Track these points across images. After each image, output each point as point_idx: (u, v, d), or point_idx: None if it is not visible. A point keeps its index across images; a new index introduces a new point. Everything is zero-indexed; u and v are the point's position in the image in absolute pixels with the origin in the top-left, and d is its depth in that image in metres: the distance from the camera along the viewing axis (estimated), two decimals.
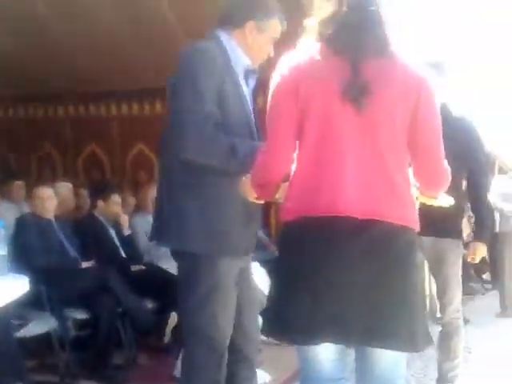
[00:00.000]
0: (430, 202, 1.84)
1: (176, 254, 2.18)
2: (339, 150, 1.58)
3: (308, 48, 1.62)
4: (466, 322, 5.42)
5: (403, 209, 1.61)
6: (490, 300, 6.32)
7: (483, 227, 3.10)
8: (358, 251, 1.55)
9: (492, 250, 6.85)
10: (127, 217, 4.70)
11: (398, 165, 1.62)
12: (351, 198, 1.56)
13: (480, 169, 3.06)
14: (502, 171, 7.58)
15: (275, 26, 2.13)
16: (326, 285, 1.55)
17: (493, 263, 7.09)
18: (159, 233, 2.20)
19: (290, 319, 1.58)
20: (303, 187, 1.62)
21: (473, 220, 8.07)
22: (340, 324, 1.54)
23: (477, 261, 3.15)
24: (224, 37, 2.11)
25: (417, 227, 1.65)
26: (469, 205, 6.97)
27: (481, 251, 3.09)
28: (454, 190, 2.95)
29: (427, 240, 2.93)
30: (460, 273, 3.13)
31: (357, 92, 1.55)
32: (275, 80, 1.63)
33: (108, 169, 6.72)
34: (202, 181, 2.05)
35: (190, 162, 2.01)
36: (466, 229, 7.13)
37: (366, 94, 1.55)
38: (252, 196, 1.84)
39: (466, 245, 7.84)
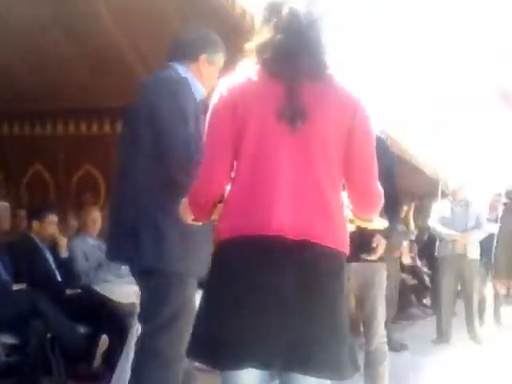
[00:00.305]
0: (365, 224, 1.84)
1: (145, 273, 2.23)
2: (273, 170, 1.59)
3: (246, 70, 1.65)
4: (404, 348, 5.54)
5: (336, 231, 1.62)
6: (429, 325, 6.39)
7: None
8: (288, 274, 1.54)
9: (433, 274, 7.01)
10: (65, 239, 4.62)
11: (332, 187, 1.63)
12: (284, 218, 1.55)
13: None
14: (444, 195, 7.73)
15: (221, 58, 2.40)
16: (253, 307, 1.53)
17: (433, 288, 7.21)
18: (123, 250, 2.25)
19: (214, 342, 1.56)
20: (236, 207, 1.62)
21: (415, 245, 8.22)
22: (264, 349, 1.52)
23: (378, 254, 3.02)
24: (182, 69, 2.32)
25: (347, 251, 1.66)
26: (408, 230, 7.11)
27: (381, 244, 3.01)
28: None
29: (355, 265, 2.96)
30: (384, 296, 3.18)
31: (292, 114, 1.57)
32: (213, 101, 1.65)
33: (53, 190, 6.59)
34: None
35: (175, 183, 2.11)
36: (406, 253, 7.33)
37: (301, 117, 1.57)
38: (189, 218, 1.83)
39: (407, 269, 7.96)
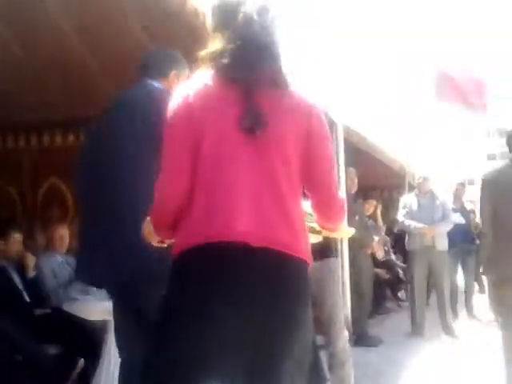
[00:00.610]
0: (332, 234, 1.82)
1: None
2: (234, 178, 1.56)
3: (202, 78, 1.62)
4: (379, 342, 5.60)
5: (299, 239, 1.59)
6: (404, 318, 6.46)
7: None
8: (252, 284, 1.50)
9: (407, 267, 7.09)
10: (33, 258, 4.54)
11: (293, 194, 1.61)
12: (247, 225, 1.52)
13: None
14: (411, 188, 7.80)
15: (186, 74, 2.47)
16: (216, 320, 1.49)
17: (407, 281, 7.28)
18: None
19: (167, 365, 1.52)
20: (196, 216, 1.56)
21: (388, 239, 8.28)
22: (228, 362, 1.50)
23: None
24: (157, 84, 2.39)
25: (310, 261, 1.62)
26: (377, 225, 7.15)
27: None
28: None
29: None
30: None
31: (251, 123, 1.55)
32: (169, 109, 1.62)
33: (18, 205, 6.48)
34: None
35: None
36: (379, 249, 7.40)
37: (260, 125, 1.55)
38: (155, 239, 1.76)
39: (381, 263, 8.05)
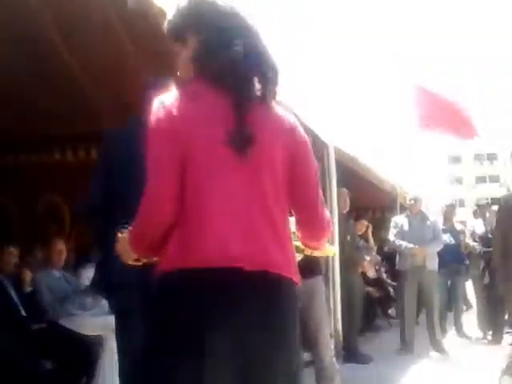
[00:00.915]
0: (315, 253, 1.79)
1: None
2: (225, 198, 1.48)
3: (184, 90, 1.53)
4: (370, 359, 5.67)
5: (290, 260, 1.55)
6: (394, 336, 6.53)
7: None
8: (248, 307, 1.45)
9: (397, 285, 7.18)
10: (30, 273, 4.61)
11: (283, 215, 1.56)
12: (240, 248, 1.45)
13: None
14: (403, 209, 7.93)
15: None
16: (212, 350, 1.41)
17: (397, 299, 7.36)
18: None
19: None
20: (185, 236, 1.46)
21: (378, 258, 8.35)
22: None
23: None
24: None
25: (299, 281, 1.58)
26: (368, 244, 7.24)
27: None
28: None
29: None
30: None
31: (241, 140, 1.47)
32: (151, 124, 1.50)
33: (17, 221, 6.52)
34: None
35: None
36: (370, 268, 7.50)
37: (251, 142, 1.48)
38: (130, 257, 1.62)
39: (372, 282, 8.11)
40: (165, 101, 1.50)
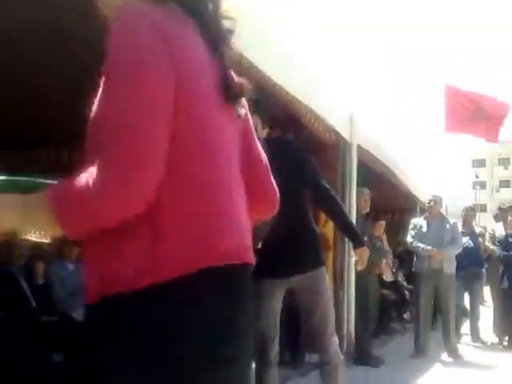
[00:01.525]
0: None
1: None
2: (224, 170, 1.13)
3: (169, 13, 1.10)
4: (381, 363, 5.58)
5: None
6: (409, 340, 6.42)
7: (358, 235, 3.16)
8: (246, 307, 1.18)
9: (413, 289, 7.07)
10: (42, 265, 4.63)
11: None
12: (242, 239, 1.16)
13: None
14: (423, 211, 7.83)
15: None
16: (228, 357, 1.10)
17: (413, 303, 7.25)
18: None
19: None
20: (187, 223, 1.06)
21: (395, 261, 8.26)
22: None
23: (364, 265, 3.17)
24: None
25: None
26: (384, 246, 7.14)
27: (365, 252, 3.13)
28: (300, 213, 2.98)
29: (298, 279, 2.92)
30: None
31: (234, 96, 1.15)
32: (137, 48, 1.02)
33: None
34: None
35: None
36: (387, 271, 7.39)
37: (238, 102, 1.17)
38: (56, 230, 1.02)
39: (388, 284, 8.01)
40: (149, 19, 1.05)
